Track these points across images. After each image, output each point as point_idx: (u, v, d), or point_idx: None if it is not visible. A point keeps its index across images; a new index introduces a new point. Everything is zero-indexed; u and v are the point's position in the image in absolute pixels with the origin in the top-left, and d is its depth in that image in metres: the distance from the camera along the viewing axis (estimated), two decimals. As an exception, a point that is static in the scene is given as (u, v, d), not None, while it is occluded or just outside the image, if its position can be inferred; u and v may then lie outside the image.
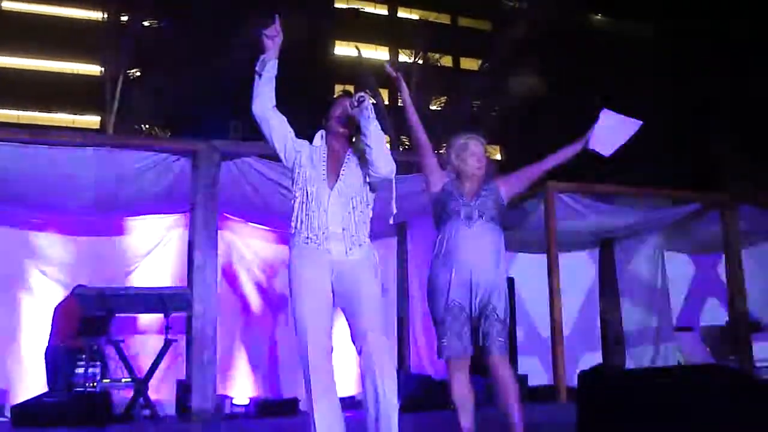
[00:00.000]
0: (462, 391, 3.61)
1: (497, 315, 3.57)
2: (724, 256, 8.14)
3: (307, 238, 3.30)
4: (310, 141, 3.49)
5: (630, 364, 8.81)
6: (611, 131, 3.88)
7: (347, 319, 3.29)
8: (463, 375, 3.63)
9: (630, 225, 8.58)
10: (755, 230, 8.51)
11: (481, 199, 3.71)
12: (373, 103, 3.42)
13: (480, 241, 3.63)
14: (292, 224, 3.35)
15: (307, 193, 3.34)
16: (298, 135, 3.53)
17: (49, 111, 28.06)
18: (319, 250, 3.29)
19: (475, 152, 3.79)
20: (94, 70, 17.75)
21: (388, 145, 3.42)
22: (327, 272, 3.29)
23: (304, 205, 3.34)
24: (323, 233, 3.29)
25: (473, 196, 3.72)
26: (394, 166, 3.39)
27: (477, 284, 3.57)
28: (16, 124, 26.05)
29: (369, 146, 3.31)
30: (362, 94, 3.35)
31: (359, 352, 3.21)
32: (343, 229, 3.31)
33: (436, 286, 3.67)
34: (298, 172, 3.40)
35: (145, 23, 12.40)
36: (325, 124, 3.52)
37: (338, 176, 3.38)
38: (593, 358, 8.44)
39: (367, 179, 3.41)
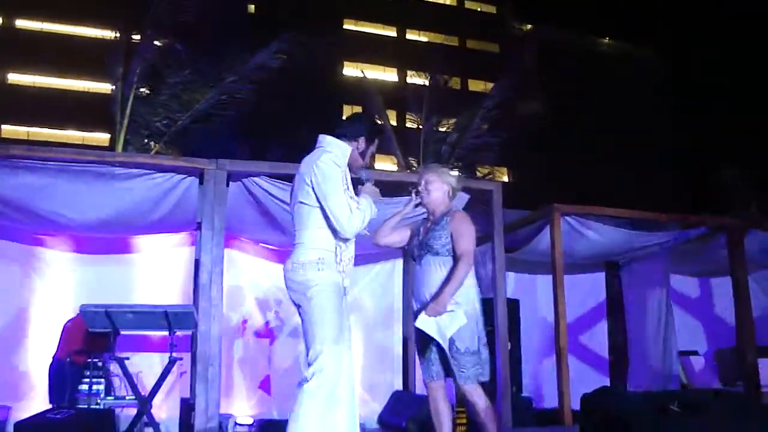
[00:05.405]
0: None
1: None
2: (731, 279, 8.11)
3: (343, 266, 3.54)
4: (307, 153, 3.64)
5: (634, 387, 8.75)
6: None
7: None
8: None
9: (636, 248, 8.55)
10: (762, 255, 8.47)
11: None
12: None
13: None
14: (332, 251, 3.51)
15: None
16: (302, 155, 3.63)
17: (59, 128, 28.32)
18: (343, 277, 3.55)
19: None
20: (104, 87, 17.93)
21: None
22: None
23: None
24: (350, 263, 3.60)
25: None
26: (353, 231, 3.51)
27: None
28: (26, 140, 26.30)
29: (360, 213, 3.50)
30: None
31: None
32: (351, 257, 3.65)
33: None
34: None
35: (156, 43, 12.49)
36: (362, 146, 3.71)
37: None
38: (598, 381, 8.37)
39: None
